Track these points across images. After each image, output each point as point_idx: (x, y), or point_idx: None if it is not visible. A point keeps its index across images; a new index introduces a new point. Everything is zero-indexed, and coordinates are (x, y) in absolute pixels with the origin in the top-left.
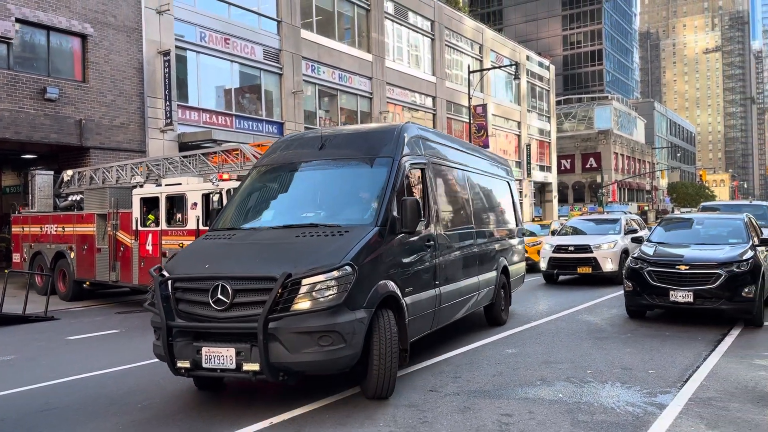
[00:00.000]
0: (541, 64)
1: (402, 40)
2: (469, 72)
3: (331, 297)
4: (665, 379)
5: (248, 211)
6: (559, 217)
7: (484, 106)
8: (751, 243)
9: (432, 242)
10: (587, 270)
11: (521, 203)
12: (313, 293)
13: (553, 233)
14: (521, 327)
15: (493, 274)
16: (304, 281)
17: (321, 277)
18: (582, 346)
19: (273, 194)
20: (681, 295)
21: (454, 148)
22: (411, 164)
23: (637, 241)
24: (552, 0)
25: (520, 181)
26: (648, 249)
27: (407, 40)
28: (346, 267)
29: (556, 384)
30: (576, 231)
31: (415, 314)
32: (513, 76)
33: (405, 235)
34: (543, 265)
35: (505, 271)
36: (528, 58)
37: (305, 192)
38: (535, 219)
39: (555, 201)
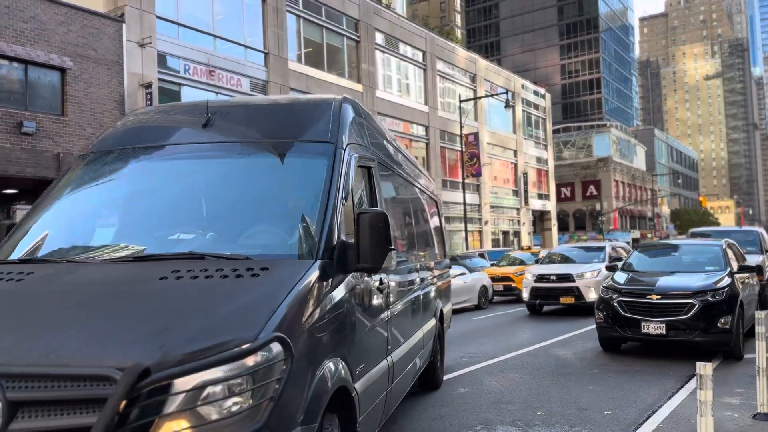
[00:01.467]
0: (536, 93)
1: (393, 70)
2: (460, 101)
3: (238, 414)
4: (620, 422)
5: (63, 229)
6: (534, 245)
7: (476, 134)
8: (728, 270)
9: (384, 283)
10: (570, 300)
11: (519, 232)
12: (199, 408)
13: (536, 262)
14: (486, 362)
15: (432, 322)
16: (179, 382)
17: (216, 372)
18: (542, 384)
19: (113, 200)
20: (653, 327)
21: (394, 146)
22: (358, 159)
23: (612, 269)
24: (549, 30)
25: (518, 209)
26: (620, 277)
27: (398, 70)
28: (272, 345)
29: (498, 429)
30: (560, 259)
31: (367, 408)
32: (505, 105)
33: (362, 276)
34: (525, 296)
35: (441, 316)
36: (523, 86)
37: (176, 197)
38: (524, 248)
39: (554, 229)
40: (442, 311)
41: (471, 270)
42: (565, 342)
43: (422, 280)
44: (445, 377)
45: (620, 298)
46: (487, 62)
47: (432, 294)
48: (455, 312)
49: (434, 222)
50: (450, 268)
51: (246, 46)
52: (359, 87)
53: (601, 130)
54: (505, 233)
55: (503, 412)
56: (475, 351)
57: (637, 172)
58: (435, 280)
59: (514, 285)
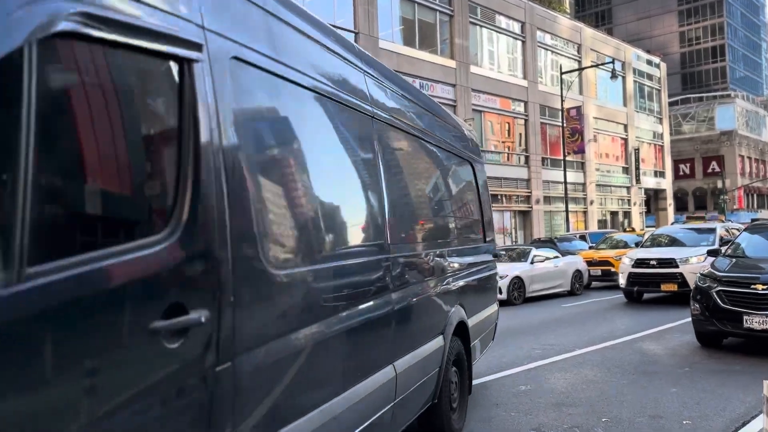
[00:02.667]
0: (650, 62)
1: (489, 44)
2: (561, 73)
3: None
4: None
5: None
6: (647, 227)
7: (578, 109)
8: None
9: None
10: (672, 287)
11: (629, 213)
12: None
13: (636, 245)
14: (560, 356)
15: (436, 344)
16: None
17: None
18: (617, 384)
19: None
20: (758, 321)
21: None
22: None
23: (714, 254)
24: None
25: (629, 188)
26: (721, 264)
27: (495, 44)
28: None
29: None
30: (666, 242)
31: None
32: (612, 75)
33: None
34: (622, 282)
35: (462, 330)
36: (635, 56)
37: None
38: (627, 229)
39: (670, 209)
40: (464, 324)
41: (565, 253)
42: (659, 335)
43: (399, 280)
44: (508, 372)
45: (719, 288)
46: (594, 31)
47: (437, 305)
48: (545, 298)
49: (461, 194)
50: (497, 257)
51: (336, 27)
52: (452, 63)
53: (724, 101)
54: (614, 214)
55: (562, 416)
56: (551, 342)
57: (766, 146)
58: (447, 278)
59: (613, 270)
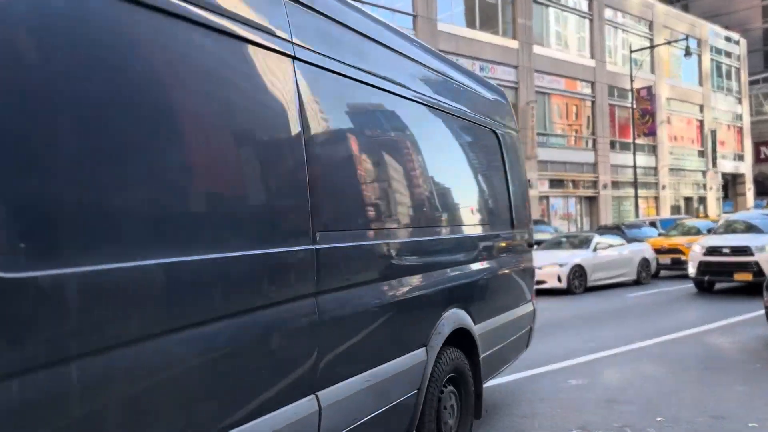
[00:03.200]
0: (728, 39)
1: (554, 24)
2: (631, 52)
3: None
4: None
5: None
6: (724, 212)
7: (649, 89)
8: None
9: None
10: (747, 277)
11: (704, 198)
12: None
13: (709, 231)
14: (617, 349)
15: (411, 359)
16: None
17: None
18: (678, 380)
19: None
20: None
21: None
22: None
23: None
24: None
25: (704, 172)
26: None
27: (560, 22)
28: None
29: None
30: (742, 228)
31: None
32: (685, 53)
33: None
34: (691, 271)
35: (464, 339)
36: (712, 33)
37: None
38: (699, 215)
39: (750, 194)
40: (467, 332)
41: (632, 240)
42: (729, 328)
43: (332, 279)
44: (558, 365)
45: None
46: (667, 7)
47: (417, 302)
48: (609, 287)
49: (473, 169)
50: (532, 246)
51: (394, 10)
52: (515, 44)
53: None
54: (688, 199)
55: (613, 414)
56: (609, 334)
57: None
58: (435, 275)
59: (684, 258)
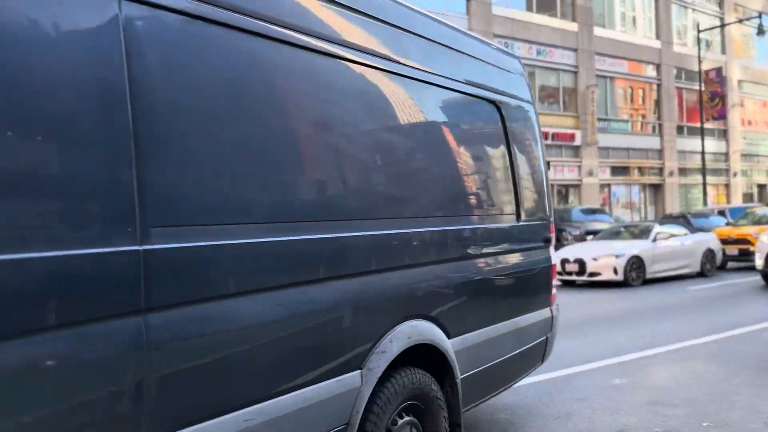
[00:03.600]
0: None
1: (617, 4)
2: (699, 31)
3: None
4: None
5: None
6: None
7: (718, 70)
8: None
9: None
10: None
11: None
12: None
13: None
14: (670, 345)
15: (334, 387)
16: None
17: None
18: (731, 381)
19: None
20: None
21: None
22: None
23: None
24: None
25: None
26: None
27: (624, 3)
28: None
29: None
30: None
31: None
32: (758, 31)
33: None
34: (758, 263)
35: (432, 357)
36: None
37: None
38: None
39: None
40: (434, 349)
41: (697, 230)
42: None
43: (167, 291)
44: (603, 362)
45: None
46: None
47: (335, 314)
48: (669, 279)
49: (456, 147)
50: (549, 242)
51: None
52: (573, 26)
53: None
54: (762, 187)
55: (655, 416)
56: (664, 329)
57: None
58: (377, 277)
59: (752, 249)
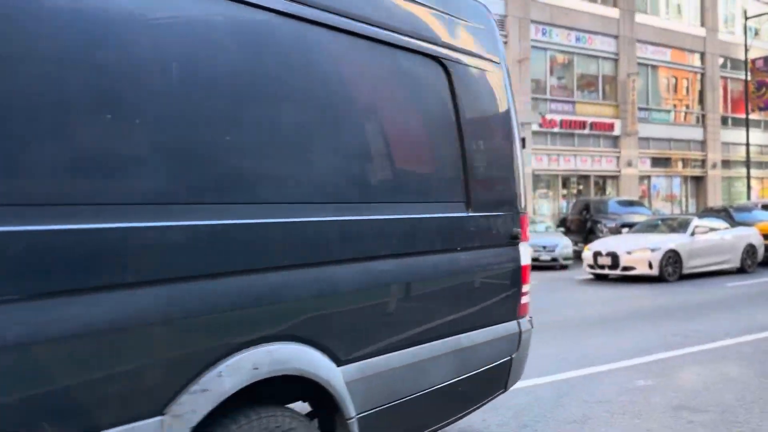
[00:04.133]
0: None
1: None
2: (746, 18)
3: None
4: None
5: None
6: None
7: (766, 59)
8: None
9: None
10: None
11: None
12: None
13: None
14: (702, 345)
15: None
16: None
17: None
18: (765, 387)
19: None
20: None
21: None
22: None
23: None
24: None
25: None
26: None
27: None
28: None
29: None
30: None
31: None
32: None
33: None
34: None
35: (315, 392)
36: None
37: None
38: None
39: None
40: (317, 384)
41: (738, 224)
42: None
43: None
44: (628, 362)
45: None
46: None
47: (142, 339)
48: (707, 275)
49: (384, 118)
50: (517, 240)
51: None
52: (615, 12)
53: None
54: None
55: (679, 422)
56: (697, 328)
57: None
58: (210, 289)
59: None
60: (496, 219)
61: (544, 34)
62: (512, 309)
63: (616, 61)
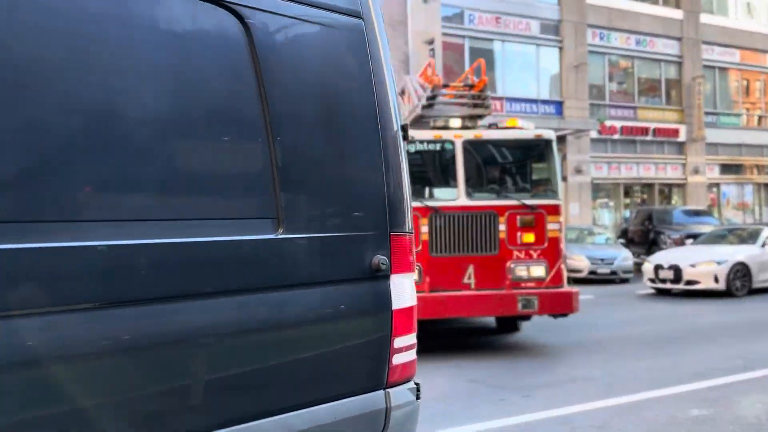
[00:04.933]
0: None
1: None
2: None
3: None
4: None
5: None
6: None
7: None
8: None
9: None
10: None
11: None
12: None
13: None
14: (761, 371)
15: None
16: None
17: None
18: None
19: None
20: None
21: None
22: None
23: None
24: None
25: None
26: None
27: None
28: None
29: None
30: None
31: None
32: None
33: None
34: None
35: None
36: None
37: None
38: None
39: None
40: None
41: None
42: None
43: None
44: (682, 388)
45: None
46: None
47: None
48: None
49: (169, 107)
50: (380, 272)
51: None
52: (678, 14)
53: None
54: None
55: None
56: (763, 350)
57: None
58: None
59: None
60: (337, 243)
61: (602, 38)
62: (374, 374)
63: (680, 64)
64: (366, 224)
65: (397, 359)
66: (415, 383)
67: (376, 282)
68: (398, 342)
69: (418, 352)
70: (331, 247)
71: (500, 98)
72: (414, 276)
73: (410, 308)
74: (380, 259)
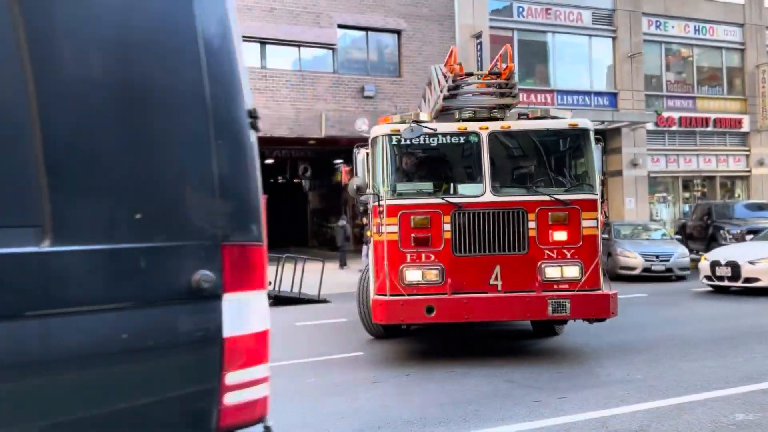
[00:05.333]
0: None
1: None
2: None
3: None
4: None
5: None
6: None
7: None
8: None
9: None
10: None
11: None
12: None
13: None
14: None
15: None
16: None
17: None
18: None
19: None
20: None
21: None
22: None
23: None
24: None
25: None
26: None
27: None
28: None
29: None
30: None
31: None
32: None
33: None
34: None
35: None
36: None
37: None
38: None
39: None
40: None
41: None
42: None
43: None
44: (727, 391)
45: None
46: None
47: None
48: None
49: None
50: (204, 291)
51: None
52: None
53: None
54: None
55: None
56: None
57: None
58: None
59: None
60: (133, 256)
61: (657, 26)
62: (194, 420)
63: (742, 51)
64: (180, 232)
65: (231, 398)
66: (266, 426)
67: (197, 304)
68: (233, 377)
69: (450, 355)
70: (123, 262)
71: (552, 91)
72: (264, 294)
73: (258, 334)
74: (203, 275)
